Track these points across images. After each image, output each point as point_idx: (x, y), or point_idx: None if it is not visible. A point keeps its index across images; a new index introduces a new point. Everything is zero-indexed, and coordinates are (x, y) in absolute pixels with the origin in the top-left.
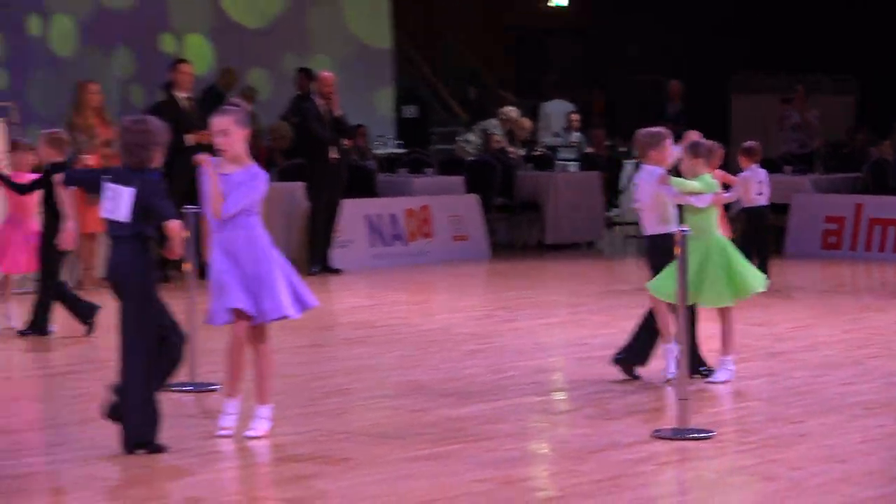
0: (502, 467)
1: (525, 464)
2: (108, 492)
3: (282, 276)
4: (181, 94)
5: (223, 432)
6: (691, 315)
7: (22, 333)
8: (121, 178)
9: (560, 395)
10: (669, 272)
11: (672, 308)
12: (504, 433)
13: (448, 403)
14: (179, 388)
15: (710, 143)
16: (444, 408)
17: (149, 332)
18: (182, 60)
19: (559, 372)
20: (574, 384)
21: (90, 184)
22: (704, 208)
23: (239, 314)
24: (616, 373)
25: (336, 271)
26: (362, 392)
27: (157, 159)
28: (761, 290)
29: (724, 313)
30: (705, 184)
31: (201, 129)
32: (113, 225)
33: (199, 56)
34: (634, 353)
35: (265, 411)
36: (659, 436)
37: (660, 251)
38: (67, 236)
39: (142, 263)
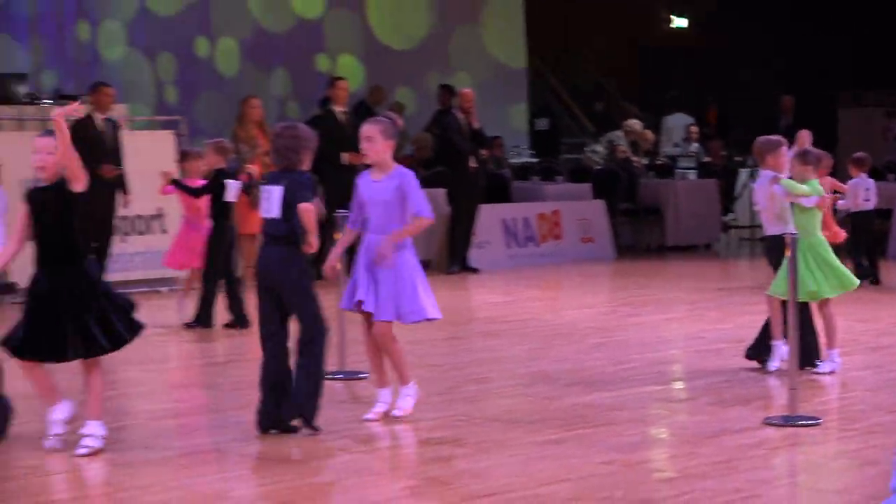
0: (625, 450)
1: (646, 447)
2: (267, 468)
3: (419, 280)
4: (338, 109)
5: (370, 416)
6: (806, 311)
7: (188, 326)
8: (273, 180)
9: (678, 385)
10: (783, 272)
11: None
12: (626, 419)
13: (575, 392)
14: (331, 376)
15: (818, 151)
16: (571, 396)
17: (313, 319)
18: (340, 78)
19: (678, 363)
20: (691, 374)
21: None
22: (809, 211)
23: (361, 308)
24: (731, 364)
25: (474, 270)
26: (496, 381)
27: (307, 162)
28: (853, 289)
29: (823, 309)
30: (812, 188)
31: (355, 140)
32: (268, 224)
33: (350, 75)
34: (762, 348)
35: (407, 390)
36: (770, 422)
37: (776, 250)
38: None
39: (295, 260)
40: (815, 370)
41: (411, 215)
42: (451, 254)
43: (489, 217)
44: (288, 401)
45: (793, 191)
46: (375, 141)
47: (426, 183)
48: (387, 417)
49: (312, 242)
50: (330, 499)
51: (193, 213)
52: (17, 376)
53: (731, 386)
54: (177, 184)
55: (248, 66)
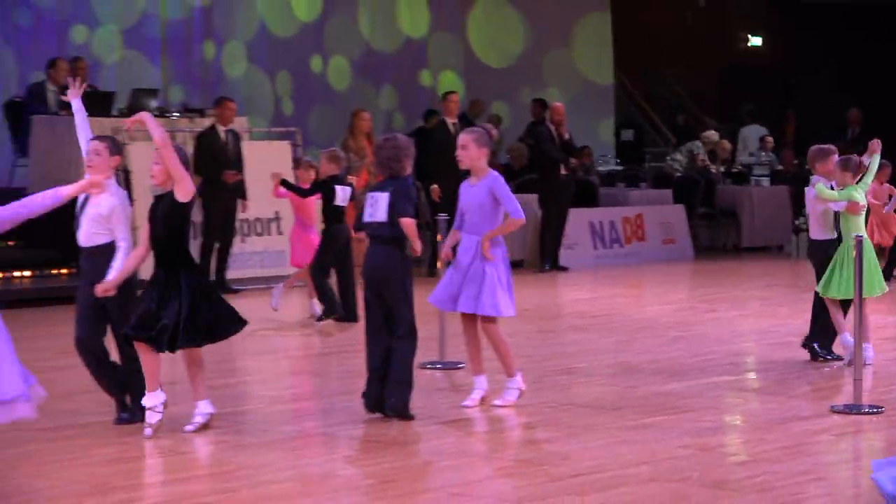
0: (701, 436)
1: (720, 433)
2: (371, 450)
3: (502, 278)
4: (450, 120)
5: (467, 402)
6: (844, 307)
7: (319, 319)
8: (379, 187)
9: (751, 375)
10: (828, 273)
11: (839, 303)
12: (702, 406)
13: (655, 381)
14: (431, 366)
15: (858, 158)
16: (652, 385)
17: (409, 317)
18: (451, 92)
19: (750, 355)
20: (763, 366)
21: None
22: (855, 216)
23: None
24: (799, 356)
25: (564, 269)
26: (584, 371)
27: (407, 168)
28: (876, 295)
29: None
30: (843, 194)
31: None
32: (374, 227)
33: (451, 89)
34: (816, 337)
35: (511, 383)
36: (835, 410)
37: (817, 254)
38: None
39: (398, 261)
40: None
41: (505, 216)
42: (542, 254)
43: (578, 220)
44: (386, 389)
45: (821, 195)
46: (469, 149)
47: (520, 189)
48: (484, 403)
49: (416, 248)
50: (429, 478)
51: (304, 214)
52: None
53: (800, 376)
54: (286, 184)
55: (358, 82)
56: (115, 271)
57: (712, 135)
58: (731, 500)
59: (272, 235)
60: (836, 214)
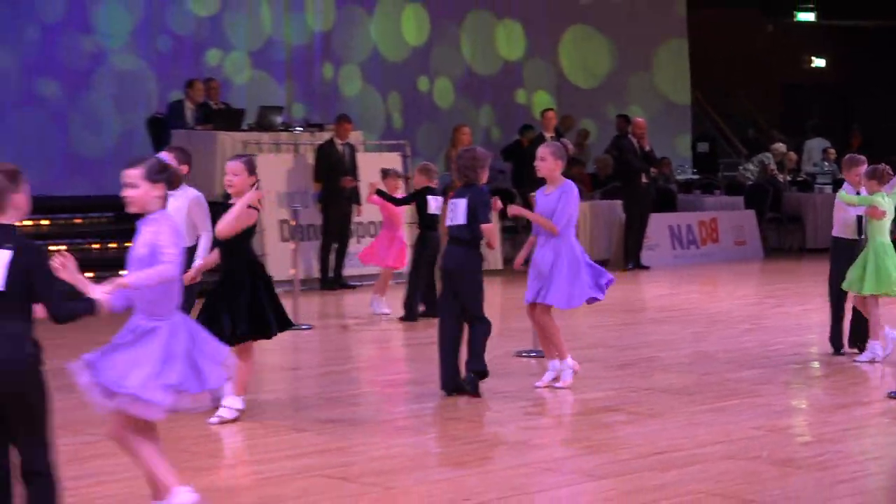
0: (770, 418)
1: (788, 416)
2: (470, 429)
3: (569, 275)
4: (548, 134)
5: (539, 384)
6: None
7: (403, 319)
8: (458, 194)
9: (815, 364)
10: (857, 272)
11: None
12: (771, 392)
13: (728, 369)
14: (527, 354)
15: (884, 167)
16: (725, 372)
17: (481, 307)
18: (549, 109)
19: (814, 346)
20: (825, 355)
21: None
22: (880, 220)
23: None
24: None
25: (645, 268)
26: (662, 359)
27: (483, 177)
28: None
29: (865, 303)
30: (863, 199)
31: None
32: (453, 229)
33: (544, 107)
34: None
35: (564, 364)
36: (892, 396)
37: (835, 251)
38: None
39: (473, 259)
40: (854, 358)
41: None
42: (626, 254)
43: (658, 224)
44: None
45: (842, 199)
46: (547, 160)
47: (605, 195)
48: (551, 386)
49: (493, 245)
50: (522, 454)
51: (392, 220)
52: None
53: (859, 365)
54: (381, 193)
55: (460, 100)
56: (200, 259)
57: (780, 147)
58: (797, 477)
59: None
60: (860, 218)
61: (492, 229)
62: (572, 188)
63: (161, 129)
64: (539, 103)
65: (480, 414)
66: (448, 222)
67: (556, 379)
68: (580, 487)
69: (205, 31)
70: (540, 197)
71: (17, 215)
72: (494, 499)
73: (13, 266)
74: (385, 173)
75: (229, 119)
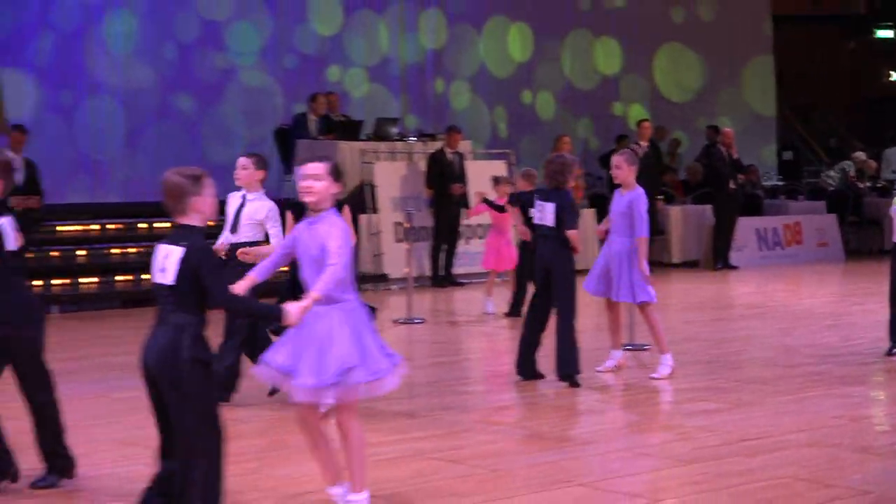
0: (850, 408)
1: (867, 406)
2: (571, 416)
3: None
4: (643, 143)
5: (601, 368)
6: None
7: (507, 315)
8: (545, 196)
9: (894, 358)
10: None
11: None
12: (852, 383)
13: (811, 362)
14: (623, 348)
15: None
16: (808, 365)
17: (572, 301)
18: (645, 119)
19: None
20: None
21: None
22: None
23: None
24: None
25: (734, 268)
26: (749, 352)
27: (570, 182)
28: None
29: None
30: None
31: (652, 172)
32: (542, 228)
33: (638, 119)
34: None
35: (664, 359)
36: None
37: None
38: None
39: (563, 255)
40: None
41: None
42: (715, 255)
43: (745, 227)
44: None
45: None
46: (622, 168)
47: (696, 200)
48: (618, 370)
49: (577, 248)
50: (620, 440)
51: (500, 224)
52: None
53: None
54: (487, 202)
55: (560, 112)
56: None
57: (860, 155)
58: (876, 464)
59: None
60: None
61: (576, 235)
62: (642, 195)
63: (286, 140)
64: (634, 115)
65: (580, 402)
66: (537, 221)
67: (618, 367)
68: (673, 471)
69: (327, 49)
70: (615, 199)
71: (199, 218)
72: (593, 480)
73: (183, 263)
74: (496, 180)
75: (349, 130)
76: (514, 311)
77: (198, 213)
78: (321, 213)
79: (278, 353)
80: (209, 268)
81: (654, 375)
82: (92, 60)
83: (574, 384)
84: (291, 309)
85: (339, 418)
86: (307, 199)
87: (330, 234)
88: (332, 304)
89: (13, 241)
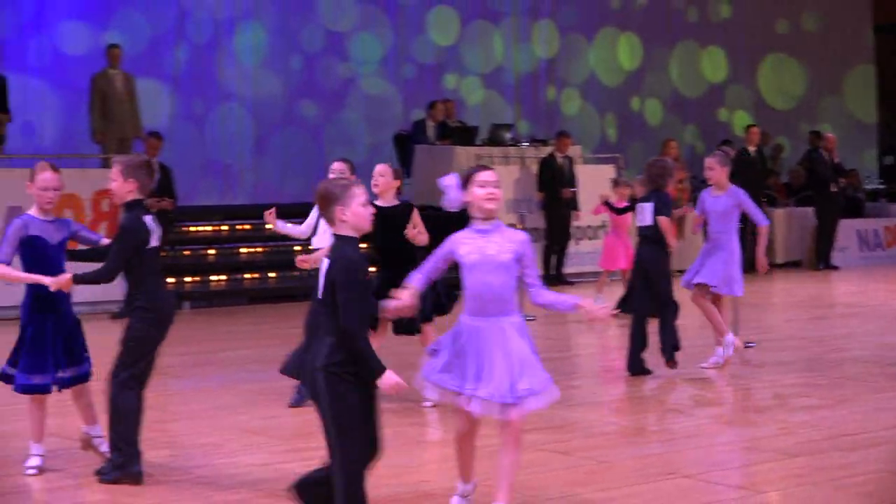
0: None
1: None
2: (673, 409)
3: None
4: (751, 148)
5: (704, 364)
6: None
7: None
8: (645, 199)
9: None
10: None
11: None
12: None
13: None
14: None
15: None
16: None
17: (671, 298)
18: (753, 125)
19: None
20: None
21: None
22: None
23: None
24: None
25: (835, 268)
26: (849, 350)
27: (669, 185)
28: None
29: None
30: None
31: (757, 175)
32: (643, 229)
33: (742, 124)
34: None
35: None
36: None
37: None
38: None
39: (661, 255)
40: None
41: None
42: (817, 255)
43: (847, 228)
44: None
45: None
46: (715, 169)
47: (799, 203)
48: (726, 365)
49: (671, 243)
50: (725, 434)
51: (619, 225)
52: None
53: None
54: (606, 204)
55: (668, 118)
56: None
57: None
58: None
59: (600, 239)
60: None
61: (666, 222)
62: (742, 191)
63: (405, 145)
64: (738, 121)
65: (685, 397)
66: (638, 223)
67: (725, 362)
68: (775, 464)
69: (444, 58)
70: (708, 198)
71: (348, 228)
72: (698, 472)
73: (327, 276)
74: (615, 183)
75: (465, 135)
76: (625, 308)
77: (344, 223)
78: (495, 221)
79: (445, 368)
80: (344, 284)
81: (711, 359)
82: (223, 71)
83: (672, 361)
84: (389, 380)
85: (511, 431)
86: (491, 206)
87: (525, 243)
88: (501, 317)
89: (157, 238)
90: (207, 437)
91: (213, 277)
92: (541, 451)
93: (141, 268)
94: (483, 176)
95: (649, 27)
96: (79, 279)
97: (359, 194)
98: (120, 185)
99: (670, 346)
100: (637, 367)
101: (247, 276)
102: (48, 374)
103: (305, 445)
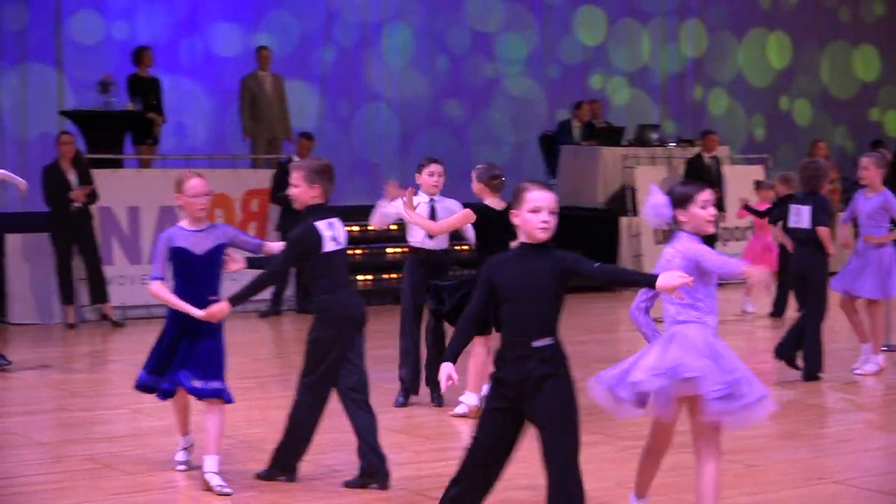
0: None
1: None
2: (814, 411)
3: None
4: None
5: (857, 369)
6: None
7: (771, 315)
8: (801, 201)
9: None
10: None
11: None
12: None
13: None
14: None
15: None
16: None
17: (823, 304)
18: None
19: None
20: None
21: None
22: None
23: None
24: None
25: None
26: None
27: (824, 186)
28: None
29: None
30: None
31: None
32: (797, 232)
33: (895, 124)
34: None
35: (872, 357)
36: None
37: None
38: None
39: (818, 258)
40: None
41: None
42: None
43: None
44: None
45: None
46: (870, 169)
47: None
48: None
49: (830, 251)
50: (876, 440)
51: (761, 227)
52: None
53: None
54: (747, 208)
55: (817, 118)
56: None
57: None
58: None
59: (747, 241)
60: None
61: (825, 232)
62: (890, 192)
63: (551, 145)
64: (890, 121)
65: (835, 401)
66: (792, 224)
67: (880, 369)
68: None
69: (591, 59)
70: (861, 200)
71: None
72: (848, 478)
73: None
74: (758, 185)
75: (611, 136)
76: (777, 311)
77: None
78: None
79: (643, 374)
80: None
81: (856, 370)
82: (370, 72)
83: (813, 378)
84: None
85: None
86: (712, 228)
87: (701, 251)
88: (691, 323)
89: (341, 240)
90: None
91: (360, 277)
92: (687, 454)
93: (314, 271)
94: (705, 196)
95: (800, 26)
96: (237, 298)
97: (530, 199)
98: (304, 190)
99: (813, 365)
100: (784, 353)
101: (393, 275)
102: (160, 377)
103: (448, 445)
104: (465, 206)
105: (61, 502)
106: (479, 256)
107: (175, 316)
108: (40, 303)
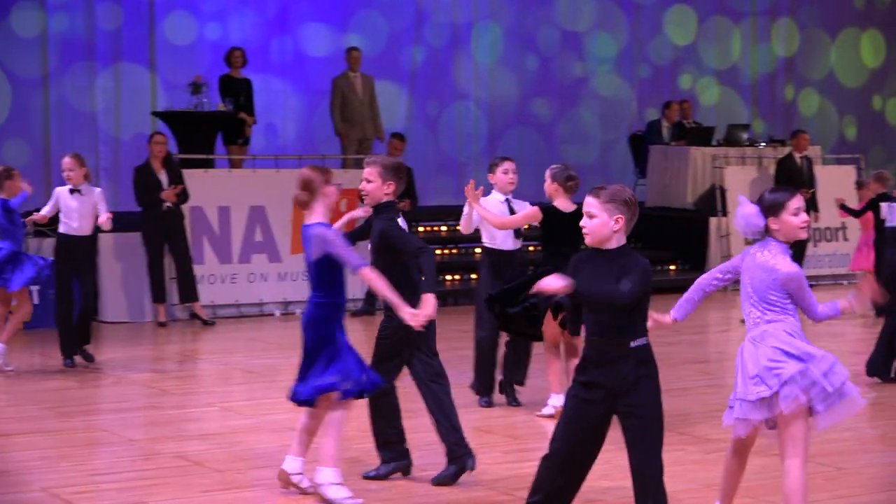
0: None
1: None
2: (887, 410)
3: None
4: None
5: None
6: None
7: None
8: (893, 199)
9: None
10: None
11: None
12: None
13: None
14: None
15: None
16: None
17: None
18: None
19: None
20: None
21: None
22: None
23: None
24: None
25: None
26: None
27: None
28: None
29: None
30: None
31: None
32: (892, 230)
33: None
34: None
35: None
36: None
37: None
38: None
39: None
40: None
41: None
42: None
43: None
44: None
45: None
46: None
47: None
48: None
49: None
50: None
51: (864, 227)
52: None
53: None
54: (844, 208)
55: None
56: None
57: None
58: None
59: (839, 241)
60: None
61: None
62: None
63: (640, 145)
64: None
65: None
66: (888, 224)
67: None
68: None
69: (680, 57)
70: None
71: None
72: None
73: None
74: (859, 185)
75: (700, 136)
76: (877, 311)
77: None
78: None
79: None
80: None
81: None
82: (459, 71)
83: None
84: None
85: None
86: (805, 235)
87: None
88: (775, 323)
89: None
90: (433, 434)
91: (447, 277)
92: (774, 456)
93: (392, 268)
94: (797, 202)
95: (894, 25)
96: (433, 286)
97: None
98: (378, 186)
99: (878, 368)
100: (876, 369)
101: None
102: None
103: (537, 445)
104: (535, 205)
105: (152, 499)
106: (544, 258)
107: (338, 317)
108: (132, 302)
